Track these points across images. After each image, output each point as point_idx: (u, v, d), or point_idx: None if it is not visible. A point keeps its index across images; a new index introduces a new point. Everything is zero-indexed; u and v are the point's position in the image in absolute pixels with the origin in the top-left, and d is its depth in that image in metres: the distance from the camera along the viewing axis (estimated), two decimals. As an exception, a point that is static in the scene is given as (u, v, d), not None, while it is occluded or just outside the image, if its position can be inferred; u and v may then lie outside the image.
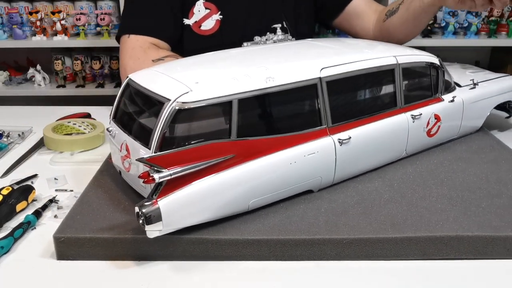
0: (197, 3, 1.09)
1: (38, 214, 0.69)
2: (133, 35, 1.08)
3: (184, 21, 1.10)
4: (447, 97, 0.85)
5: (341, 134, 0.70)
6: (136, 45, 1.06)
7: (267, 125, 0.66)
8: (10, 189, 0.73)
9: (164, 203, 0.57)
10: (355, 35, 1.24)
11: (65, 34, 2.26)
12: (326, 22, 1.29)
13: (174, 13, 1.11)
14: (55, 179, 0.81)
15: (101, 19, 2.29)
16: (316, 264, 0.61)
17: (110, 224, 0.63)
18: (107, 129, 0.72)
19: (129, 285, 0.57)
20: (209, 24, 1.10)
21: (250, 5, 1.12)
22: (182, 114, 0.59)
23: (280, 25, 1.13)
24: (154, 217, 0.56)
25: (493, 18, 2.24)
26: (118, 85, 2.27)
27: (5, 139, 0.98)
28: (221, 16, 1.10)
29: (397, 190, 0.72)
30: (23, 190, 0.73)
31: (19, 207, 0.71)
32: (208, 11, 1.09)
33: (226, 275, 0.59)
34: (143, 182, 0.56)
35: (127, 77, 0.69)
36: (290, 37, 1.15)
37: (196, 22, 1.10)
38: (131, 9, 1.15)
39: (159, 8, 1.10)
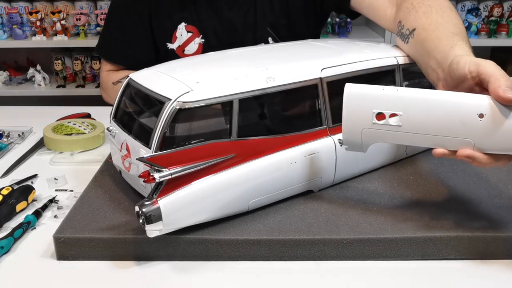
0: (179, 26, 1.09)
1: (38, 214, 0.69)
2: (104, 58, 1.19)
3: (167, 46, 1.10)
4: (447, 97, 0.85)
5: (342, 134, 0.70)
6: (105, 68, 1.18)
7: (268, 125, 0.66)
8: (10, 189, 0.73)
9: (165, 203, 0.57)
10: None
11: (65, 34, 2.26)
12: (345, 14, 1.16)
13: (146, 42, 1.12)
14: (55, 179, 0.81)
15: (101, 19, 2.29)
16: (316, 264, 0.61)
17: (110, 224, 0.63)
18: (107, 129, 0.72)
19: (129, 285, 0.57)
20: (192, 48, 1.10)
21: (231, 25, 1.10)
22: (183, 114, 0.59)
23: (263, 44, 1.09)
24: (154, 217, 0.56)
25: (493, 18, 2.24)
26: (118, 85, 2.27)
27: (5, 139, 0.98)
28: (203, 40, 1.09)
29: (397, 190, 0.72)
30: (23, 190, 0.73)
31: (19, 207, 0.71)
32: (190, 34, 1.09)
33: (226, 275, 0.59)
34: (143, 181, 0.56)
35: (128, 76, 0.69)
36: None
37: (179, 46, 1.10)
38: (105, 32, 1.19)
39: (129, 38, 1.13)
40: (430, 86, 0.83)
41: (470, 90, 0.62)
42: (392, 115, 0.59)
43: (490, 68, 0.58)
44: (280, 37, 1.11)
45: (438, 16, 0.77)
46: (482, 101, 0.56)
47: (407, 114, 0.59)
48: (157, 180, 0.56)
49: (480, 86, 0.61)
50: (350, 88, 0.61)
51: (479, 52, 0.65)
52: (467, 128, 0.56)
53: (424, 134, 0.59)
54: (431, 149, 0.84)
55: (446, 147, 0.59)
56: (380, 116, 0.60)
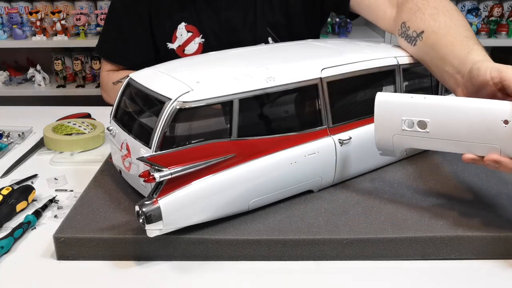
0: (179, 26, 1.09)
1: (38, 214, 0.69)
2: (104, 58, 1.18)
3: (167, 46, 1.10)
4: (447, 97, 0.84)
5: (342, 134, 0.70)
6: (105, 68, 1.18)
7: (268, 125, 0.66)
8: (10, 189, 0.73)
9: (165, 202, 0.57)
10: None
11: (65, 34, 2.26)
12: (345, 15, 1.16)
13: (146, 42, 1.12)
14: (55, 179, 0.81)
15: (101, 19, 2.29)
16: (316, 264, 0.61)
17: (110, 224, 0.63)
18: (108, 128, 0.72)
19: (129, 285, 0.57)
20: (192, 48, 1.10)
21: (231, 25, 1.10)
22: (183, 114, 0.59)
23: (263, 44, 1.09)
24: (155, 216, 0.56)
25: (493, 18, 2.24)
26: (118, 85, 2.27)
27: (5, 139, 0.98)
28: (203, 40, 1.09)
29: (397, 190, 0.72)
30: (23, 190, 0.73)
31: (19, 207, 0.71)
32: (190, 34, 1.09)
33: (226, 275, 0.59)
34: (143, 181, 0.56)
35: (128, 76, 0.69)
36: None
37: (179, 46, 1.10)
38: (105, 31, 1.19)
39: (129, 38, 1.12)
40: (430, 86, 0.83)
41: (492, 96, 0.62)
42: (420, 122, 0.62)
43: None
44: (280, 37, 1.11)
45: (446, 19, 0.77)
46: (507, 107, 0.57)
47: (435, 121, 0.61)
48: (157, 179, 0.56)
49: (502, 92, 0.61)
50: (380, 97, 0.64)
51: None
52: (493, 134, 0.58)
53: (451, 140, 0.61)
54: (430, 150, 0.85)
55: (473, 152, 0.60)
56: (408, 123, 0.63)
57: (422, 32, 0.78)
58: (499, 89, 0.61)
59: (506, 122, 0.57)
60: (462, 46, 0.71)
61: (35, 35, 2.25)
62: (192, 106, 0.59)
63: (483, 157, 0.59)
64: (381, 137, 0.66)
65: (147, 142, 0.60)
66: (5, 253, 0.62)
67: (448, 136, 0.61)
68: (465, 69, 0.67)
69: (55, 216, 0.70)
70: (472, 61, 0.67)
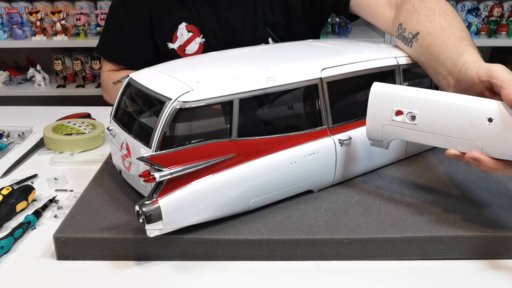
0: (180, 26, 1.09)
1: (38, 214, 0.69)
2: (104, 58, 1.19)
3: (168, 45, 1.10)
4: (447, 97, 0.84)
5: (342, 134, 0.70)
6: (106, 68, 1.18)
7: (268, 125, 0.66)
8: (10, 189, 0.73)
9: (165, 202, 0.57)
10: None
11: (65, 34, 2.26)
12: (345, 16, 1.15)
13: (146, 42, 1.12)
14: (55, 179, 0.81)
15: (101, 19, 2.29)
16: (316, 264, 0.61)
17: (110, 224, 0.63)
18: (108, 128, 0.72)
19: (129, 285, 0.57)
20: (193, 48, 1.10)
21: (230, 25, 1.10)
22: (183, 114, 0.59)
23: (263, 44, 1.08)
24: (155, 216, 0.56)
25: (493, 18, 2.24)
26: (118, 85, 2.27)
27: (5, 139, 0.98)
28: (203, 39, 1.09)
29: (397, 190, 0.72)
30: (23, 190, 0.73)
31: (19, 207, 0.71)
32: (191, 34, 1.09)
33: (226, 275, 0.59)
34: (143, 181, 0.56)
35: (128, 76, 0.69)
36: None
37: (180, 46, 1.10)
38: (106, 32, 1.18)
39: (129, 38, 1.12)
40: (430, 86, 0.83)
41: (480, 95, 0.62)
42: (410, 113, 0.63)
43: (502, 73, 0.59)
44: (280, 37, 1.11)
45: (441, 20, 0.77)
46: (492, 106, 0.57)
47: (423, 114, 0.62)
48: (157, 179, 0.56)
49: (490, 90, 0.61)
50: (376, 87, 0.65)
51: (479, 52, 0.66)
52: (476, 131, 0.58)
53: (437, 134, 0.61)
54: (430, 150, 0.85)
55: (456, 148, 0.60)
56: (399, 113, 0.64)
57: (418, 33, 0.78)
58: (487, 87, 0.61)
59: (490, 120, 0.57)
60: (455, 47, 0.71)
61: (35, 35, 2.25)
62: (192, 106, 0.59)
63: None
64: (372, 126, 0.67)
65: (147, 142, 0.60)
66: (5, 253, 0.62)
67: (435, 130, 0.61)
68: (456, 70, 0.68)
69: (55, 216, 0.70)
70: (463, 62, 0.67)
